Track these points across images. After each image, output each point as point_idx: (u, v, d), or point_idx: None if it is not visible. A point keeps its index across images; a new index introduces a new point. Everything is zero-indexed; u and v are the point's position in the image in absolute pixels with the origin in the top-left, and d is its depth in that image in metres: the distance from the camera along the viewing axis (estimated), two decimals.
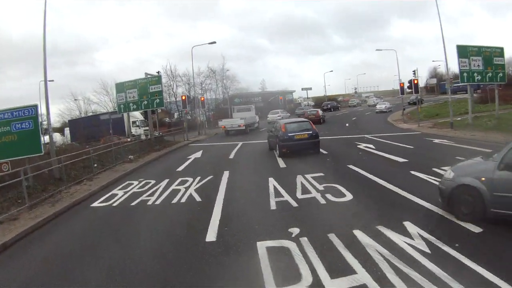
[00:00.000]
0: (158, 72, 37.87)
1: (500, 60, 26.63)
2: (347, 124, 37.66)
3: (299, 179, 12.13)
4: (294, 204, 9.37)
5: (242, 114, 40.23)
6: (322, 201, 9.40)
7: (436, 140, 20.03)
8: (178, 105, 73.37)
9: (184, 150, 26.08)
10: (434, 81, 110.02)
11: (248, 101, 76.77)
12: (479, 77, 25.94)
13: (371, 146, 19.30)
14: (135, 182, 14.37)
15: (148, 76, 31.72)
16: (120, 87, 31.87)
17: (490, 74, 26.20)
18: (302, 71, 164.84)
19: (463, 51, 25.54)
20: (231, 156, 20.32)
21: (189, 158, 20.13)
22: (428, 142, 19.73)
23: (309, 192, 10.35)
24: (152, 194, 11.99)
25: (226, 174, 14.56)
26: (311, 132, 18.14)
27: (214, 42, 38.84)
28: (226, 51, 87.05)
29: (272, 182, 12.11)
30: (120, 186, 13.93)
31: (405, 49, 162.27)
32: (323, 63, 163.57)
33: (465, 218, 7.12)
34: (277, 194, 10.48)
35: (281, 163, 16.10)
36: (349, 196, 9.61)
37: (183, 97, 33.08)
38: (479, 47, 26.17)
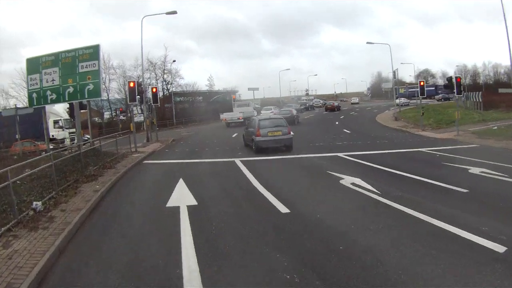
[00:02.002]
0: None
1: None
2: (336, 122, 36.35)
3: None
4: None
5: (241, 108, 45.27)
6: None
7: None
8: (112, 102, 60.17)
9: (142, 175, 14.75)
10: (389, 85, 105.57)
11: (189, 101, 65.27)
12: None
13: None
14: None
15: (77, 48, 19.54)
16: (33, 65, 19.71)
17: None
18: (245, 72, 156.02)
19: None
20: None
21: (178, 218, 8.62)
22: None
23: None
24: None
25: None
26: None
27: (175, 12, 26.97)
28: (152, 53, 77.53)
29: None
30: None
31: (333, 56, 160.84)
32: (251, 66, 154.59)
33: None
34: None
35: None
36: None
37: (132, 84, 21.18)
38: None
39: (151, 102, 27.41)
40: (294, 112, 42.09)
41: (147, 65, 61.83)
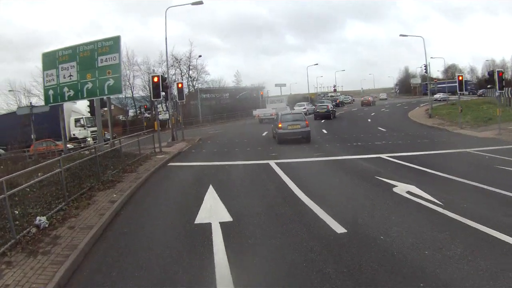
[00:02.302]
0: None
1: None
2: (369, 120, 35.30)
3: None
4: None
5: (274, 105, 44.67)
6: None
7: None
8: (136, 99, 59.16)
9: (166, 182, 13.04)
10: (418, 81, 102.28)
11: (216, 97, 63.58)
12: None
13: None
14: None
15: (96, 41, 18.11)
16: (50, 60, 18.40)
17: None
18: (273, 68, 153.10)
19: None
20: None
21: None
22: None
23: None
24: None
25: None
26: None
27: (201, 2, 25.27)
28: (177, 49, 75.38)
29: None
30: None
31: (359, 51, 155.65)
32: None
33: None
34: None
35: None
36: None
37: (156, 78, 19.52)
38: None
39: (177, 98, 25.83)
40: (331, 107, 43.46)
41: (172, 61, 60.50)
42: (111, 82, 17.31)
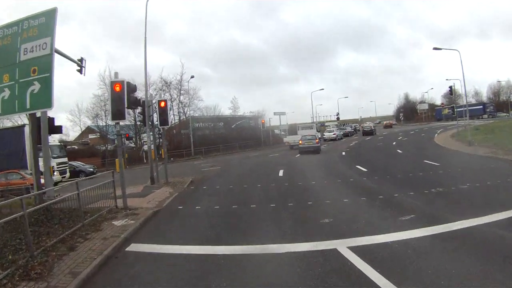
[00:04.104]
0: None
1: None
2: (399, 151, 30.08)
3: None
4: None
5: (306, 131, 44.53)
6: None
7: None
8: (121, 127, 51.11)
9: None
10: (425, 106, 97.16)
11: (210, 126, 56.28)
12: None
13: None
14: None
15: (21, 20, 10.58)
16: None
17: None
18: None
19: None
20: None
21: None
22: None
23: None
24: None
25: None
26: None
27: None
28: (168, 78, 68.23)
29: None
30: None
31: (352, 80, 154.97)
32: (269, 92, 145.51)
33: None
34: None
35: None
36: None
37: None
38: None
39: (158, 122, 18.05)
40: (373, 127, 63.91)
41: (160, 85, 53.44)
42: (36, 88, 9.71)
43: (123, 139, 44.83)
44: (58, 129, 17.80)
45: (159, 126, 18.71)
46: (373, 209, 10.43)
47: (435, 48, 35.75)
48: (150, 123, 18.21)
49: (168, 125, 18.74)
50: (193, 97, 57.04)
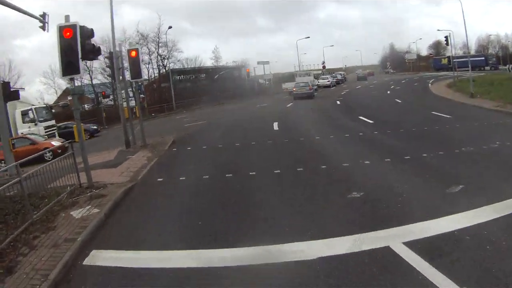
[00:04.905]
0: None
1: None
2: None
3: None
4: None
5: (304, 78, 48.59)
6: None
7: None
8: (96, 86, 47.85)
9: None
10: (413, 56, 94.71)
11: (191, 79, 53.17)
12: None
13: None
14: None
15: None
16: None
17: None
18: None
19: None
20: None
21: None
22: None
23: None
24: None
25: None
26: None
27: None
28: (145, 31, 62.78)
29: None
30: None
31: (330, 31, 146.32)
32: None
33: None
34: None
35: None
36: None
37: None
38: None
39: (129, 76, 15.09)
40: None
41: (137, 38, 49.17)
42: None
43: (100, 97, 42.09)
44: (15, 95, 15.28)
45: (131, 80, 15.73)
46: (406, 176, 8.13)
47: None
48: (120, 76, 15.27)
49: (141, 77, 15.72)
50: (172, 49, 52.93)
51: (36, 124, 24.60)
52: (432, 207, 6.10)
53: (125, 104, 17.08)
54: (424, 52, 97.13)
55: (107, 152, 15.23)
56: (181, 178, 9.70)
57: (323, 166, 9.43)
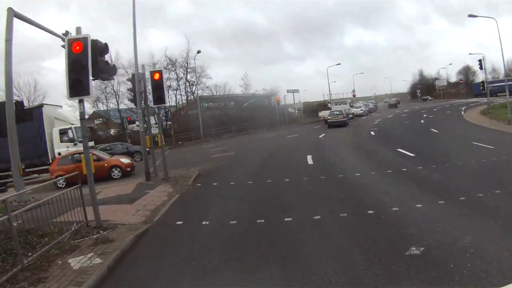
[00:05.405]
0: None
1: None
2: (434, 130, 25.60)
3: None
4: None
5: (340, 106, 48.48)
6: None
7: None
8: (123, 111, 47.62)
9: None
10: (444, 82, 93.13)
11: (220, 106, 52.35)
12: None
13: None
14: None
15: None
16: None
17: None
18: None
19: None
20: None
21: None
22: None
23: None
24: None
25: None
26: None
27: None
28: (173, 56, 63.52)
29: None
30: None
31: (359, 57, 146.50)
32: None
33: None
34: None
35: None
36: None
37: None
38: None
39: (151, 102, 13.83)
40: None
41: (165, 63, 48.99)
42: None
43: (125, 123, 41.64)
44: (28, 116, 14.46)
45: (153, 105, 14.58)
46: (467, 222, 6.72)
47: (470, 15, 32.42)
48: (142, 101, 14.21)
49: (164, 103, 14.51)
50: (201, 75, 52.50)
51: (75, 144, 22.49)
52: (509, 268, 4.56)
53: (151, 131, 15.94)
54: (453, 78, 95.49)
55: (125, 183, 14.02)
56: (203, 223, 8.25)
57: (370, 211, 7.87)
